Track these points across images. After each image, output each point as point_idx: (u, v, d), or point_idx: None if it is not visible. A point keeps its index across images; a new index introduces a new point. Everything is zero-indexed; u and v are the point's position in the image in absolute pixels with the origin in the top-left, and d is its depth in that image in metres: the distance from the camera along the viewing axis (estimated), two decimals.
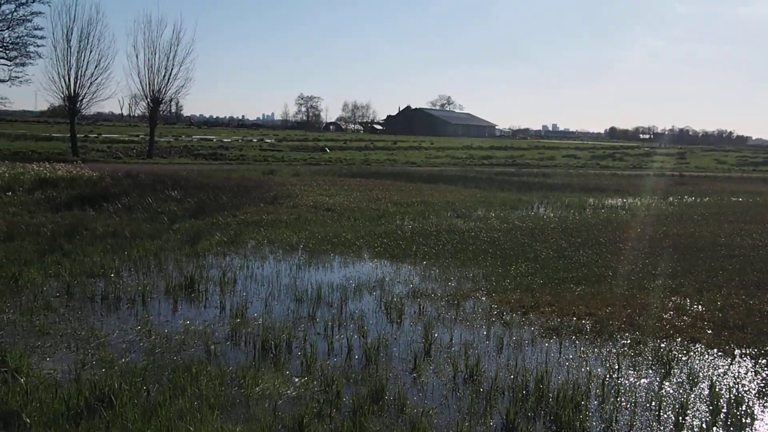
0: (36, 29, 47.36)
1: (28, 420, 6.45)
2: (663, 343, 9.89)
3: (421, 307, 11.32)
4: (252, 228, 17.96)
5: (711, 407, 7.75)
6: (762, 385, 8.51)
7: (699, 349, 9.75)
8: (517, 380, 8.20)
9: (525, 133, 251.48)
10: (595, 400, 7.85)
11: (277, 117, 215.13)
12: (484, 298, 11.98)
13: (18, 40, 46.93)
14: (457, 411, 7.40)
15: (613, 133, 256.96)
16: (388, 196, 26.47)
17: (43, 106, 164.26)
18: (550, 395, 7.78)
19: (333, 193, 26.19)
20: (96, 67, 44.57)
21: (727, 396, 8.04)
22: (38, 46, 47.64)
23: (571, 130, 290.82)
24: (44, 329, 9.40)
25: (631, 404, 7.76)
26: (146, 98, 47.49)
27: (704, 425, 7.29)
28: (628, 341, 9.93)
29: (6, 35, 46.60)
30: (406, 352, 9.15)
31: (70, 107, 45.07)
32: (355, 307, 11.26)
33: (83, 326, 9.65)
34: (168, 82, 46.94)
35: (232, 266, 13.72)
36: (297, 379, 7.97)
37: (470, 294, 12.24)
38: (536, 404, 7.61)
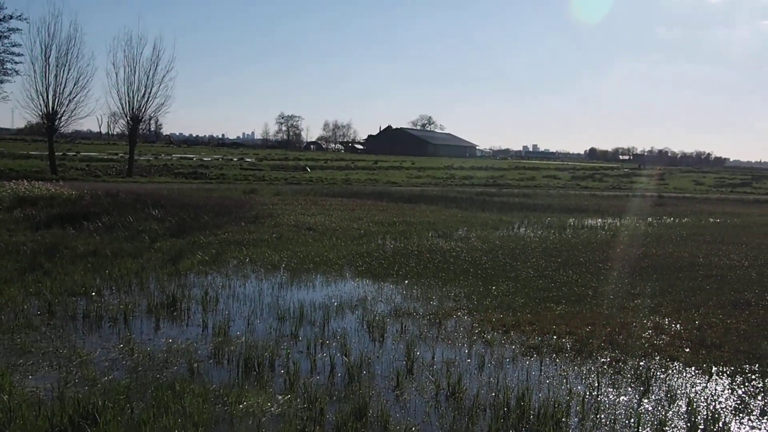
0: (13, 46, 47.33)
1: None
2: (642, 361, 10.00)
3: (403, 325, 11.38)
4: (233, 247, 17.95)
5: (689, 424, 7.86)
6: (738, 402, 8.64)
7: (677, 367, 9.87)
8: (498, 398, 8.27)
9: (506, 153, 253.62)
10: (576, 417, 7.93)
11: (258, 136, 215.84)
12: (465, 317, 12.06)
13: None
14: (439, 428, 7.46)
15: (593, 154, 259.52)
16: (369, 215, 26.53)
17: (21, 124, 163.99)
18: (531, 413, 7.86)
19: (314, 213, 26.21)
20: (75, 84, 44.45)
21: (705, 413, 8.15)
22: (16, 63, 47.60)
23: (551, 150, 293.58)
24: (26, 347, 9.37)
25: (610, 421, 7.85)
26: (126, 116, 47.05)
27: None
28: (608, 359, 10.04)
29: None
30: (389, 370, 9.20)
31: (49, 125, 44.78)
32: (337, 326, 11.30)
33: (65, 344, 9.62)
34: (147, 100, 46.56)
35: (214, 285, 13.73)
36: (280, 397, 8.00)
37: (452, 313, 12.31)
38: (517, 421, 7.68)
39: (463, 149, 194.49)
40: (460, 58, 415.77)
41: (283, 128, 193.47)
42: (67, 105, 44.55)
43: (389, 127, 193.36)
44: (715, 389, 9.06)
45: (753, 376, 9.56)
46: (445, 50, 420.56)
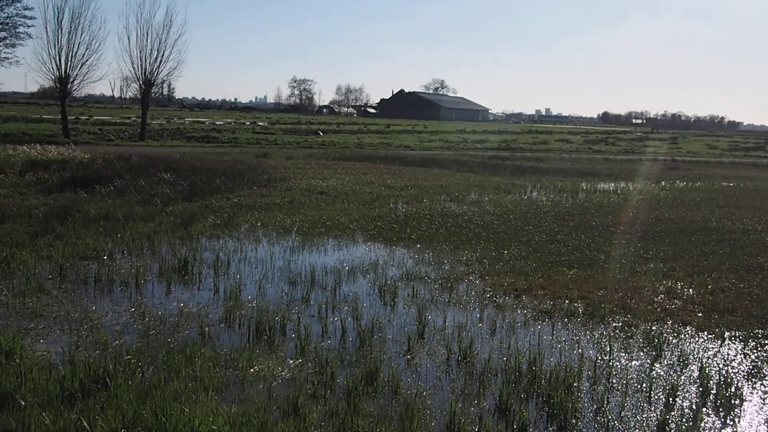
0: (26, 9, 47.26)
1: (22, 402, 6.45)
2: (654, 325, 9.96)
3: (415, 289, 11.36)
4: (245, 211, 17.95)
5: (701, 389, 7.83)
6: (751, 367, 8.59)
7: (689, 331, 9.83)
8: (510, 362, 8.26)
9: (518, 117, 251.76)
10: (587, 381, 7.91)
11: (270, 100, 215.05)
12: (477, 281, 12.03)
13: (7, 20, 46.80)
14: (450, 392, 7.45)
15: (605, 117, 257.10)
16: (381, 179, 26.45)
17: (34, 88, 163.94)
18: (543, 377, 7.84)
19: (326, 177, 26.14)
20: (87, 48, 44.11)
21: (717, 378, 8.11)
22: (28, 26, 47.46)
23: (564, 114, 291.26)
24: (37, 311, 9.40)
25: (622, 386, 7.83)
26: (138, 80, 47.10)
27: (694, 406, 7.37)
28: (620, 324, 10.00)
29: None
30: (400, 335, 9.19)
31: (61, 89, 44.69)
32: (349, 290, 11.29)
33: (76, 308, 9.65)
34: (160, 64, 46.53)
35: (225, 249, 13.73)
36: (291, 361, 8.01)
37: (463, 277, 12.28)
38: (529, 386, 7.66)
39: (475, 113, 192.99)
40: (473, 16, 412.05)
41: (296, 92, 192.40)
42: (80, 68, 44.41)
43: (402, 90, 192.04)
44: (728, 354, 9.02)
45: (766, 341, 9.51)
46: (458, 7, 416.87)
